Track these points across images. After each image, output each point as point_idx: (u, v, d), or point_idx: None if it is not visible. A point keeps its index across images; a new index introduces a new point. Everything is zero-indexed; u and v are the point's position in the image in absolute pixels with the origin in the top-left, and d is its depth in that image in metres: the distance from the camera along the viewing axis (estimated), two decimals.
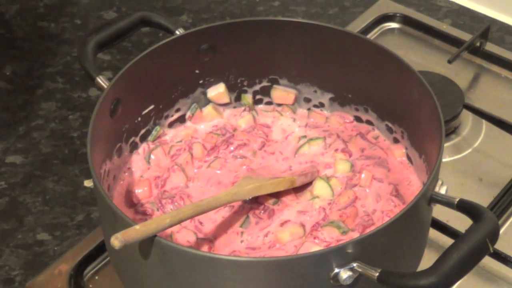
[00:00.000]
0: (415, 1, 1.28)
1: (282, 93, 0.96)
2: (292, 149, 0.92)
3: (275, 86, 0.96)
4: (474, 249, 0.66)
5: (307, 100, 0.96)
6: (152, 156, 0.90)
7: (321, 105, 0.96)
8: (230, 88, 0.95)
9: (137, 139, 0.91)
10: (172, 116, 0.93)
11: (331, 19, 1.25)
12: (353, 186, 0.86)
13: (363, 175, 0.86)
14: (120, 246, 0.66)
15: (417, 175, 0.87)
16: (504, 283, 0.88)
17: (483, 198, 0.95)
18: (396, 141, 0.91)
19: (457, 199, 0.71)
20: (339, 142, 0.91)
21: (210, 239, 0.82)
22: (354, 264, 0.67)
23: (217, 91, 0.95)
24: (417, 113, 0.84)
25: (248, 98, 0.97)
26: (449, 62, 1.10)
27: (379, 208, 0.84)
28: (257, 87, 0.96)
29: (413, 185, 0.87)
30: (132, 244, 0.71)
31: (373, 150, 0.91)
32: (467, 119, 1.07)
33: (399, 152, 0.90)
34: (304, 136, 0.93)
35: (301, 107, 0.97)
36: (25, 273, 0.90)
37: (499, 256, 0.89)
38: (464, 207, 0.71)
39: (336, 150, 0.91)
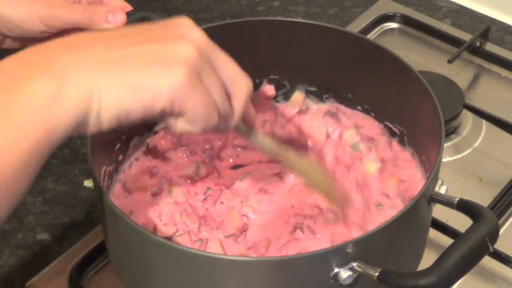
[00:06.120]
0: (415, 1, 1.28)
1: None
2: None
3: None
4: (474, 249, 0.66)
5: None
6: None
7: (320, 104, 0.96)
8: None
9: (137, 140, 0.91)
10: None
11: (331, 19, 1.25)
12: None
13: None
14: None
15: (416, 175, 0.87)
16: (504, 283, 0.88)
17: (483, 198, 0.95)
18: (397, 140, 0.91)
19: (457, 199, 0.71)
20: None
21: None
22: (354, 264, 0.67)
23: None
24: (417, 113, 0.84)
25: None
26: (449, 62, 1.10)
27: None
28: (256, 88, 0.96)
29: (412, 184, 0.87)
30: (132, 244, 0.71)
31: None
32: (467, 119, 1.07)
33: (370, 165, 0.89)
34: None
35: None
36: (25, 273, 0.90)
37: (499, 256, 0.89)
38: (464, 206, 0.71)
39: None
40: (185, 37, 0.60)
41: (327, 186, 0.80)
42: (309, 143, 0.90)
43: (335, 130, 0.91)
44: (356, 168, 0.86)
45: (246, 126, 0.71)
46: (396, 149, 0.90)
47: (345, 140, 0.90)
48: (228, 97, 0.63)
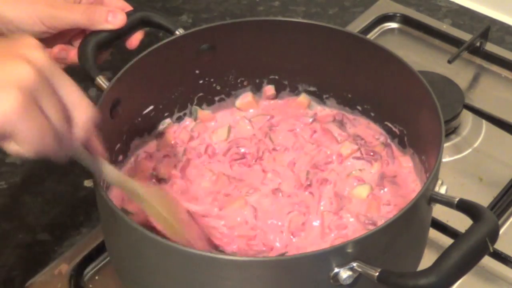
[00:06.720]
0: (415, 1, 1.28)
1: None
2: None
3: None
4: (474, 248, 0.66)
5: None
6: None
7: (321, 105, 0.96)
8: (231, 88, 0.95)
9: (137, 140, 0.91)
10: (172, 116, 0.94)
11: (331, 19, 1.25)
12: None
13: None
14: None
15: (417, 175, 0.87)
16: (504, 283, 0.88)
17: (483, 198, 0.95)
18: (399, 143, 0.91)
19: (457, 199, 0.71)
20: None
21: None
22: (354, 264, 0.67)
23: (246, 99, 0.95)
24: (417, 113, 0.84)
25: None
26: (449, 62, 1.10)
27: None
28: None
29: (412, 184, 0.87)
30: (132, 244, 0.71)
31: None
32: (467, 119, 1.07)
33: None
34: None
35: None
36: (25, 273, 0.90)
37: (499, 256, 0.89)
38: (464, 206, 0.71)
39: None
40: (23, 56, 0.58)
41: (171, 223, 0.77)
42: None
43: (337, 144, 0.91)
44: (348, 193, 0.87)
45: (89, 154, 0.68)
46: (397, 154, 0.90)
47: (344, 157, 0.90)
48: (69, 122, 0.61)
